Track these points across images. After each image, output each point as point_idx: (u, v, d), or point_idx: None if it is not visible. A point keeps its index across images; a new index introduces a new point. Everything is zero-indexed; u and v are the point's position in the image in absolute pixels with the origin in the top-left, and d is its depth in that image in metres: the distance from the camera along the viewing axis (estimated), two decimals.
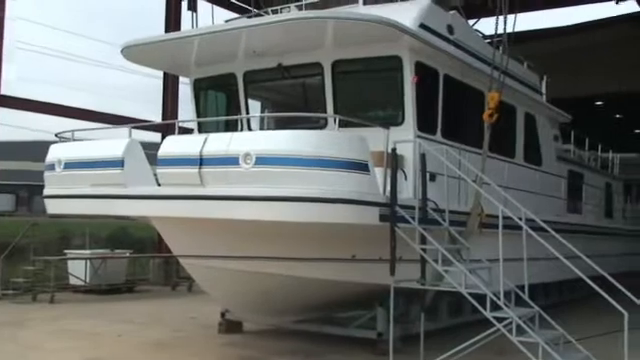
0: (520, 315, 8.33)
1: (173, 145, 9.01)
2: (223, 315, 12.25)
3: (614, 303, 7.72)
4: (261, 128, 11.72)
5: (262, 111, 13.10)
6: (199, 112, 12.62)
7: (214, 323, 12.40)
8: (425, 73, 10.78)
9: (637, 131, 38.64)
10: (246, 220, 8.46)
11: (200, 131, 11.93)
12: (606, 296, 7.85)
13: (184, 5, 20.34)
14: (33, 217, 21.24)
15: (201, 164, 8.57)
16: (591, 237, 17.14)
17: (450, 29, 11.69)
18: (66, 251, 19.40)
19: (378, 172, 9.06)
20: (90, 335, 12.11)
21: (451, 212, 10.08)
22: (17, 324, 13.17)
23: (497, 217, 9.09)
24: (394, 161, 9.11)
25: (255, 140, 8.64)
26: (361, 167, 8.56)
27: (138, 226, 24.05)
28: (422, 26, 10.80)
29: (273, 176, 8.24)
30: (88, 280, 18.12)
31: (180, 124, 15.59)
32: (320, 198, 8.25)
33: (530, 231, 8.59)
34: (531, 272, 10.31)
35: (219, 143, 8.61)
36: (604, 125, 33.29)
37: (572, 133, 18.45)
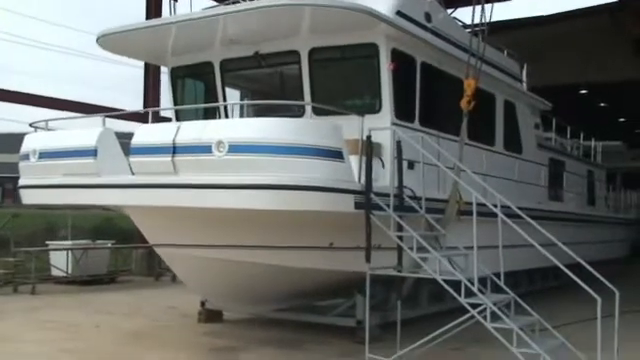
0: (495, 301, 8.32)
1: (146, 133, 8.95)
2: (203, 304, 12.21)
3: (588, 289, 7.71)
4: (241, 116, 11.70)
5: (241, 99, 13.04)
6: (176, 101, 12.53)
7: (194, 313, 12.37)
8: (402, 60, 10.74)
9: (622, 120, 38.81)
10: (220, 208, 8.41)
11: (178, 120, 11.84)
12: (580, 282, 7.84)
13: None
14: (20, 209, 21.08)
15: (174, 152, 8.50)
16: (572, 224, 17.20)
17: (428, 17, 11.63)
18: (48, 242, 19.25)
19: (354, 160, 9.03)
20: (68, 326, 12.03)
21: (429, 199, 10.05)
22: None
23: (489, 205, 9.10)
24: (369, 149, 9.06)
25: (228, 128, 8.59)
26: (335, 155, 8.52)
27: (123, 217, 23.90)
28: (399, 13, 10.74)
29: (246, 164, 8.18)
30: (70, 271, 18.01)
31: (162, 114, 15.74)
32: (293, 185, 8.20)
33: (504, 217, 8.56)
34: (511, 259, 10.34)
35: (192, 131, 8.55)
36: (588, 113, 33.48)
37: (553, 121, 18.45)
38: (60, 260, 18.13)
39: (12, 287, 16.67)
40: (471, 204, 8.97)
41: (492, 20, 11.52)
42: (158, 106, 20.44)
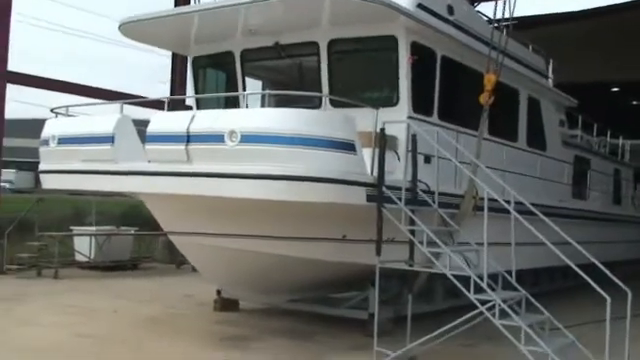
0: (506, 298, 8.25)
1: (161, 122, 9.02)
2: (219, 293, 12.29)
3: (598, 288, 7.62)
4: (262, 107, 11.72)
5: (263, 90, 13.05)
6: (197, 90, 12.61)
7: (211, 301, 12.46)
8: (422, 54, 10.66)
9: None
10: (232, 198, 8.45)
11: (199, 109, 11.89)
12: (591, 282, 7.76)
13: None
14: (49, 194, 21.33)
15: (188, 141, 8.56)
16: (596, 223, 16.98)
17: (450, 10, 11.52)
18: (72, 227, 19.51)
19: (367, 152, 9.00)
20: (86, 310, 12.20)
21: (444, 194, 9.99)
22: (15, 299, 13.27)
23: (492, 200, 9.02)
24: (382, 141, 9.02)
25: (240, 118, 8.61)
26: (347, 147, 8.50)
27: None
28: (420, 6, 10.65)
29: (258, 154, 8.20)
30: (93, 257, 18.24)
31: (188, 103, 15.82)
32: (303, 177, 8.21)
33: (516, 214, 8.47)
34: (531, 256, 10.24)
35: (206, 120, 8.60)
36: (621, 112, 32.97)
37: (580, 118, 18.19)
38: (84, 245, 18.39)
39: (36, 271, 16.94)
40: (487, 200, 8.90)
41: (518, 15, 11.41)
42: (184, 94, 20.55)
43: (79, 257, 18.48)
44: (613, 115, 29.03)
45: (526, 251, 9.99)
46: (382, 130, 9.04)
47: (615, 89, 33.04)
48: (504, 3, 10.89)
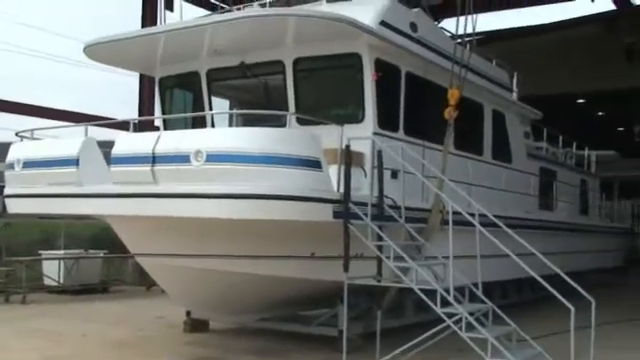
0: (472, 311, 8.34)
1: (126, 143, 8.99)
2: (189, 314, 12.22)
3: (562, 299, 7.73)
4: (230, 126, 11.74)
5: (230, 109, 13.10)
6: (164, 111, 12.60)
7: (181, 323, 12.36)
8: (386, 70, 10.79)
9: (620, 129, 38.79)
10: (199, 218, 8.44)
11: (166, 130, 11.88)
12: (555, 292, 7.88)
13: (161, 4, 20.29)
14: (19, 219, 21.06)
15: (154, 162, 8.55)
16: (563, 234, 17.19)
17: (414, 27, 11.68)
18: (41, 252, 19.30)
19: (334, 169, 9.06)
20: (54, 335, 12.06)
21: (411, 209, 10.08)
22: None
23: (458, 214, 9.14)
24: (348, 158, 9.09)
25: (205, 138, 8.62)
26: (312, 164, 8.56)
27: None
28: (383, 23, 10.78)
29: (224, 173, 8.22)
30: (62, 281, 18.04)
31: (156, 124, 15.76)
32: (270, 195, 8.24)
33: (480, 227, 8.59)
34: (498, 268, 10.34)
35: (171, 141, 8.60)
36: (589, 123, 33.51)
37: (545, 131, 18.45)
38: (52, 269, 18.19)
39: (4, 297, 16.69)
40: (454, 214, 9.00)
41: (484, 30, 11.60)
42: (153, 114, 20.49)
43: (48, 281, 18.27)
44: (580, 126, 29.55)
45: (494, 264, 10.11)
46: (347, 147, 9.11)
47: (581, 100, 33.52)
48: (465, 19, 11.07)
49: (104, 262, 20.12)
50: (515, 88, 16.49)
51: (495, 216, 9.69)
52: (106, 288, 19.37)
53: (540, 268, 8.92)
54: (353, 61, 10.52)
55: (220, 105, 12.57)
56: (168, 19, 18.09)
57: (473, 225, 9.01)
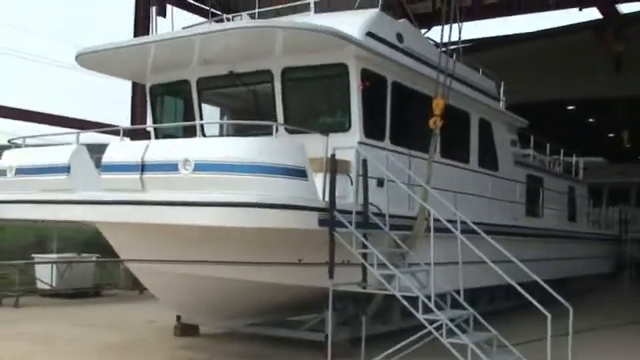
0: (453, 317, 8.55)
1: (116, 151, 9.19)
2: (179, 318, 12.38)
3: (539, 306, 7.94)
4: (220, 135, 11.93)
5: (221, 118, 13.31)
6: (155, 119, 12.79)
7: (172, 327, 12.53)
8: (373, 80, 11.00)
9: (610, 135, 39.12)
10: (186, 225, 8.64)
11: (157, 138, 12.10)
12: (531, 299, 8.08)
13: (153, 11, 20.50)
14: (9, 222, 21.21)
15: (143, 170, 8.75)
16: (551, 240, 17.39)
17: (400, 37, 11.90)
18: (33, 255, 19.44)
19: (320, 178, 9.27)
20: (45, 339, 12.20)
21: (396, 217, 10.29)
22: None
23: (443, 221, 9.36)
24: (333, 167, 9.30)
25: (194, 147, 8.82)
26: (298, 173, 8.77)
27: None
28: (369, 34, 11.00)
29: (211, 182, 8.42)
30: (54, 284, 18.19)
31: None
32: (256, 203, 8.43)
33: (460, 235, 8.80)
34: (484, 275, 10.54)
35: (160, 150, 8.81)
36: (577, 129, 33.79)
37: (532, 138, 18.67)
38: (45, 273, 18.32)
39: None
40: (439, 221, 9.21)
41: (476, 38, 11.81)
42: (146, 122, 20.65)
43: (41, 285, 18.41)
44: (570, 132, 29.81)
45: (479, 270, 10.32)
46: (332, 156, 9.32)
47: (571, 107, 33.80)
48: (450, 27, 11.30)
49: (97, 266, 20.25)
50: (502, 97, 16.72)
51: (480, 223, 9.91)
52: (99, 292, 19.50)
53: (525, 275, 9.13)
54: (340, 71, 10.72)
55: (211, 112, 12.76)
56: (160, 25, 18.39)
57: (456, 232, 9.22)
